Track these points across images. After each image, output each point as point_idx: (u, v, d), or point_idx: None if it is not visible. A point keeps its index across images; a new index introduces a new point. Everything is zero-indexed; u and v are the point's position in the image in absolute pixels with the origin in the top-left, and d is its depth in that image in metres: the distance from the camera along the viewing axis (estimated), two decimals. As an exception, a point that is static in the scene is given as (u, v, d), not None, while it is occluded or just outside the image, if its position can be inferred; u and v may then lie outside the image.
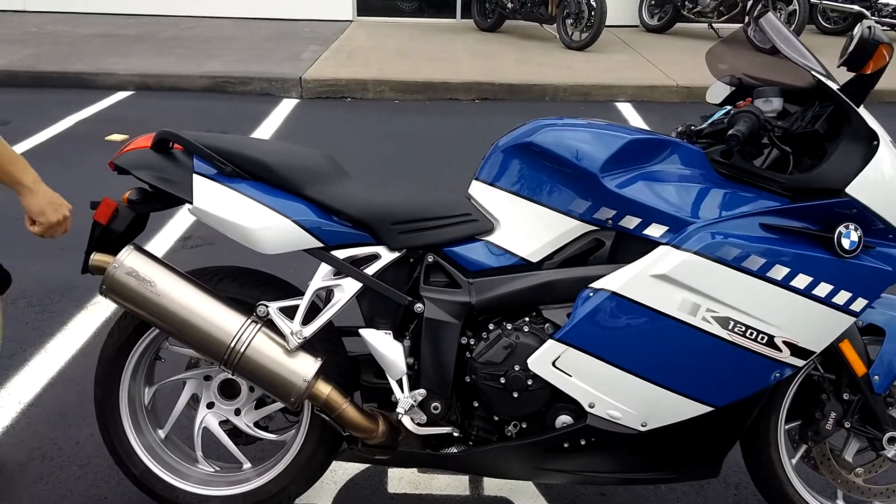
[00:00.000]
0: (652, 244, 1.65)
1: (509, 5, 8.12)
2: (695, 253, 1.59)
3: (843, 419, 1.80)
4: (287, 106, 6.18)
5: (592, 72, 6.82)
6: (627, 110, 6.24)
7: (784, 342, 1.63)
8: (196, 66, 6.81)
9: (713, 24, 8.52)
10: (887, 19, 8.42)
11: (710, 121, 1.83)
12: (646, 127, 5.69)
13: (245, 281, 1.84)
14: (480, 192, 1.80)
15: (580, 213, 1.70)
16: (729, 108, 1.85)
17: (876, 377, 1.77)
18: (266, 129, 5.54)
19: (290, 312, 1.75)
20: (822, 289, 1.60)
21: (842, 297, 1.62)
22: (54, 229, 1.77)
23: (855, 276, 1.61)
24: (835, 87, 1.63)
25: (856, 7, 8.61)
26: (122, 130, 5.32)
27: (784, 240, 1.61)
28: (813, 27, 9.11)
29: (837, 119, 1.67)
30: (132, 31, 8.55)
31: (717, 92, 2.10)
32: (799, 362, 1.66)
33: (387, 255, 1.77)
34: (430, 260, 1.78)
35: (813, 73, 1.64)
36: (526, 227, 1.75)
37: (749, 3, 8.16)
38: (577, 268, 1.73)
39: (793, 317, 1.62)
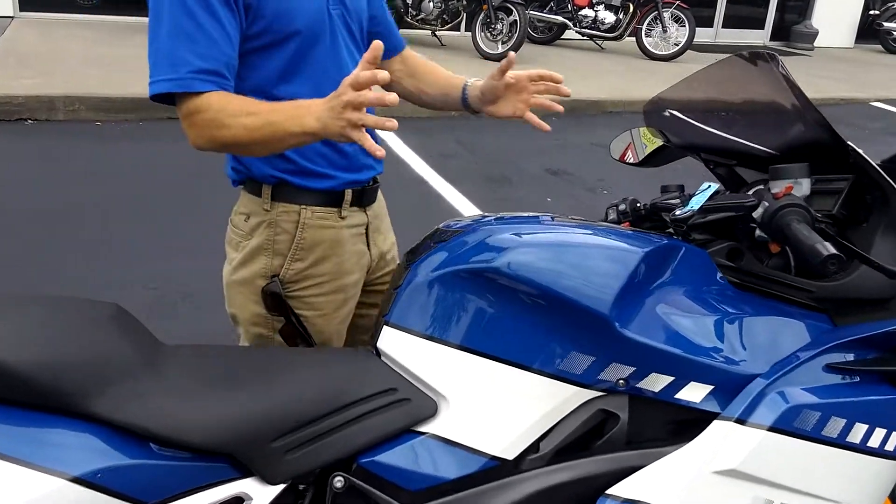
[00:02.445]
0: (689, 413, 1.08)
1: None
2: (769, 429, 1.05)
3: None
4: (-64, 134, 4.57)
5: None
6: (377, 127, 5.68)
7: None
8: None
9: (436, 32, 8.35)
10: (587, 30, 8.97)
11: (693, 205, 1.30)
12: (406, 148, 5.19)
13: None
14: (404, 349, 1.08)
15: (578, 374, 1.08)
16: (712, 185, 1.35)
17: None
18: None
19: None
20: (893, 441, 1.17)
21: None
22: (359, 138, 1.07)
23: None
24: (872, 161, 1.21)
25: (559, 18, 9.04)
26: None
27: (854, 384, 1.15)
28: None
29: (858, 200, 1.25)
30: None
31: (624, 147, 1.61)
32: None
33: (262, 495, 0.97)
34: (338, 486, 1.02)
35: (849, 144, 1.20)
36: (491, 405, 1.07)
37: (467, 13, 8.12)
38: (579, 461, 1.09)
39: (866, 487, 1.17)
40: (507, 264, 1.05)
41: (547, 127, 1.44)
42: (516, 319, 1.07)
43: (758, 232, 1.19)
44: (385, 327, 1.11)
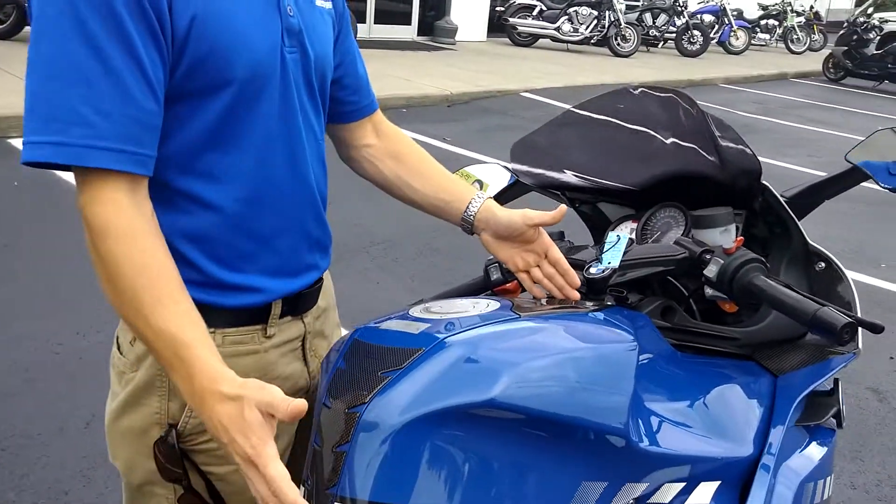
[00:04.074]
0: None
1: None
2: None
3: None
4: None
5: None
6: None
7: None
8: None
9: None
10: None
11: (611, 261, 1.13)
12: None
13: None
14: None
15: (590, 508, 0.85)
16: (623, 236, 1.20)
17: None
18: None
19: None
20: (828, 488, 1.16)
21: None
22: None
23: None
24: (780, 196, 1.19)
25: None
26: None
27: (811, 439, 1.11)
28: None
29: (747, 234, 1.24)
30: None
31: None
32: None
33: None
34: None
35: (764, 183, 1.16)
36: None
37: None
38: None
39: None
40: (497, 394, 0.78)
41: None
42: (514, 460, 0.81)
43: (710, 291, 1.08)
44: (335, 506, 0.76)
